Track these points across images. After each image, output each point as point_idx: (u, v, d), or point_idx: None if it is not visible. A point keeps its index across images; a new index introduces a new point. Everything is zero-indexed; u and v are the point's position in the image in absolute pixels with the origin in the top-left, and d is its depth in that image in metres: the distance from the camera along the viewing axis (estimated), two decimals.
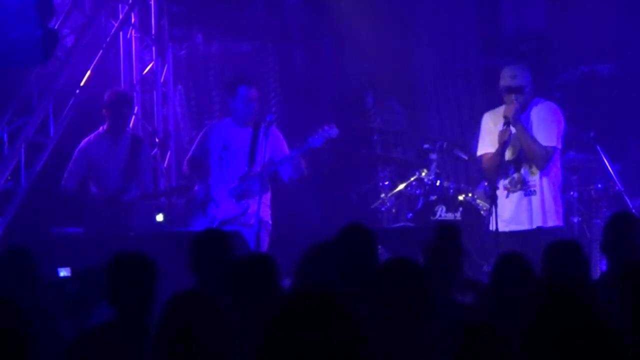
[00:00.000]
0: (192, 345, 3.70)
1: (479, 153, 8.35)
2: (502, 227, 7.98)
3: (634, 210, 9.06)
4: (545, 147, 7.99)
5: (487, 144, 8.22)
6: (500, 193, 8.07)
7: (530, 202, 8.01)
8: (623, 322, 4.28)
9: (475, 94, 11.48)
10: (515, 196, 8.04)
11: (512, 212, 8.03)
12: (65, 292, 6.43)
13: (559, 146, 8.05)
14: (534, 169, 8.06)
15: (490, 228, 7.95)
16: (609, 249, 6.15)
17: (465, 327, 3.68)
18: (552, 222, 8.01)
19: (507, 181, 8.07)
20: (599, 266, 8.43)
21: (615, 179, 9.58)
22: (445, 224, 6.05)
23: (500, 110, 8.17)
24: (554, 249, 5.71)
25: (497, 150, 8.03)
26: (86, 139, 9.44)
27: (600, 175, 9.71)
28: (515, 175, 8.06)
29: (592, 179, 9.72)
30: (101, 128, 9.45)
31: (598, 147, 9.64)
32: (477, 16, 11.61)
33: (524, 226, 8.01)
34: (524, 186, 8.03)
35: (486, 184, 9.67)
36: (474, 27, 11.63)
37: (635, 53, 10.82)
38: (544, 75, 10.31)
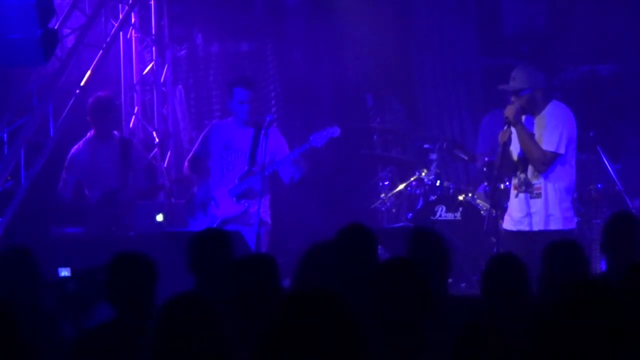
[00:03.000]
0: (188, 348, 3.70)
1: (498, 151, 8.29)
2: (510, 226, 7.97)
3: (634, 210, 9.05)
4: (544, 151, 7.87)
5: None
6: (512, 192, 8.06)
7: (533, 205, 7.94)
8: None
9: (475, 94, 11.49)
10: (521, 197, 8.00)
11: (517, 212, 8.00)
12: (65, 292, 6.43)
13: (561, 151, 7.84)
14: (536, 172, 8.00)
15: (506, 227, 7.94)
16: (609, 249, 6.14)
17: (464, 325, 3.68)
18: (554, 226, 7.88)
19: (515, 181, 8.04)
20: (599, 266, 8.42)
21: (615, 179, 9.58)
22: (418, 230, 5.89)
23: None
24: (553, 250, 5.71)
25: (500, 150, 8.01)
26: (75, 147, 9.49)
27: (600, 175, 9.71)
28: (521, 176, 8.02)
29: (592, 179, 9.71)
30: (88, 134, 9.49)
31: (598, 147, 9.64)
32: (477, 16, 11.61)
33: (526, 228, 7.99)
34: (528, 188, 7.98)
35: (486, 184, 9.69)
36: (474, 27, 11.63)
37: (635, 53, 10.83)
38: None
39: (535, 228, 7.90)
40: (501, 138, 7.95)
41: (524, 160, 7.97)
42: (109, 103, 9.62)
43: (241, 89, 8.83)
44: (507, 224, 8.01)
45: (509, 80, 7.99)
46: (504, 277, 5.19)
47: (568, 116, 7.98)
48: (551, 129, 7.91)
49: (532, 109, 7.95)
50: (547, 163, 7.86)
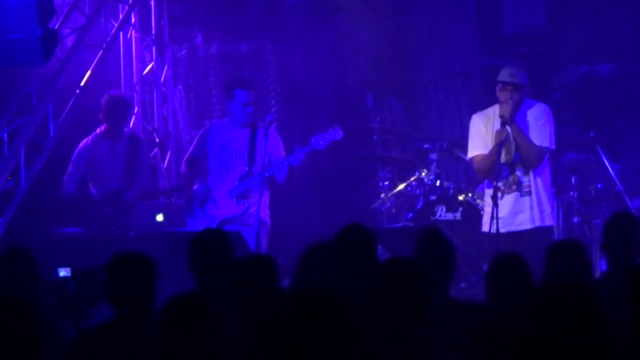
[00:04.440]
0: (190, 346, 3.70)
1: (469, 155, 8.26)
2: (499, 228, 7.97)
3: (634, 210, 9.06)
4: (540, 147, 7.99)
5: (478, 146, 8.18)
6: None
7: (526, 202, 7.99)
8: (622, 323, 4.27)
9: (475, 94, 11.48)
10: (511, 197, 8.03)
11: (508, 213, 8.01)
12: (65, 292, 6.43)
13: (552, 147, 8.05)
14: (527, 170, 8.05)
15: (487, 229, 7.92)
16: (609, 249, 6.14)
17: (478, 326, 3.66)
18: (548, 221, 8.04)
19: (501, 183, 8.05)
20: (599, 266, 8.43)
21: (615, 179, 9.59)
22: (427, 229, 5.86)
23: (489, 111, 8.17)
24: (556, 249, 5.70)
25: (493, 150, 8.00)
26: (84, 142, 9.44)
27: (600, 175, 9.72)
28: (510, 177, 8.05)
29: (592, 179, 9.72)
30: (99, 130, 9.46)
31: (598, 147, 9.64)
32: (477, 16, 11.61)
33: (522, 226, 8.00)
34: (518, 187, 8.02)
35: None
36: (474, 27, 11.63)
37: (635, 53, 10.83)
38: (544, 75, 10.32)
39: (531, 225, 7.94)
40: (497, 138, 7.98)
41: (513, 160, 8.03)
42: (124, 102, 9.63)
43: (243, 91, 8.80)
44: (491, 227, 7.97)
45: (505, 75, 8.06)
46: (508, 277, 5.18)
47: (550, 112, 8.16)
48: (540, 126, 8.05)
49: (517, 107, 8.05)
50: (542, 159, 8.01)
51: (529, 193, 8.02)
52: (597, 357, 3.29)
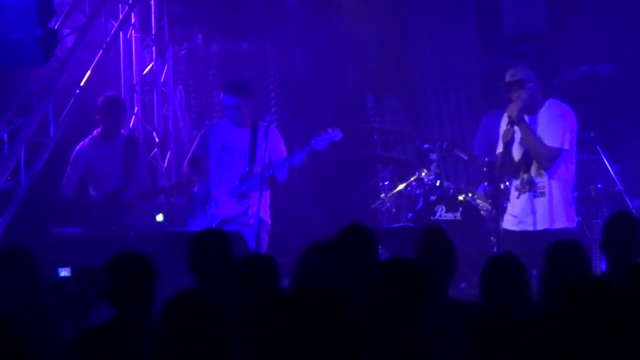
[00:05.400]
0: (190, 346, 3.71)
1: (497, 152, 8.26)
2: (512, 226, 7.96)
3: (634, 210, 9.06)
4: (550, 148, 7.89)
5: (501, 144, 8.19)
6: (512, 193, 8.05)
7: (537, 204, 7.93)
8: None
9: (475, 94, 11.49)
10: (525, 197, 7.99)
11: (521, 212, 7.98)
12: (65, 292, 6.43)
13: (566, 147, 7.89)
14: (542, 170, 8.00)
15: (502, 227, 7.93)
16: (609, 249, 6.13)
17: (478, 326, 3.66)
18: (559, 224, 7.88)
19: (517, 182, 8.03)
20: (599, 266, 8.42)
21: (615, 179, 9.58)
22: (429, 228, 5.88)
23: None
24: (555, 249, 5.70)
25: (502, 150, 7.99)
26: (81, 144, 9.46)
27: (600, 175, 9.71)
28: (524, 176, 8.01)
29: (592, 179, 9.71)
30: (95, 132, 9.48)
31: (598, 147, 9.64)
32: (477, 16, 11.62)
33: (530, 227, 7.98)
34: (532, 187, 7.97)
35: (486, 184, 9.69)
36: (474, 27, 11.64)
37: (635, 53, 10.83)
38: (544, 75, 10.30)
39: (540, 227, 7.89)
40: (504, 137, 7.95)
41: (527, 160, 7.97)
42: (119, 103, 9.64)
43: (226, 96, 8.87)
44: (509, 224, 7.99)
45: (507, 76, 8.02)
46: (502, 278, 5.18)
47: (569, 113, 8.01)
48: (554, 126, 7.93)
49: (531, 104, 7.97)
50: (552, 159, 7.88)
51: (543, 194, 7.93)
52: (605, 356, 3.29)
